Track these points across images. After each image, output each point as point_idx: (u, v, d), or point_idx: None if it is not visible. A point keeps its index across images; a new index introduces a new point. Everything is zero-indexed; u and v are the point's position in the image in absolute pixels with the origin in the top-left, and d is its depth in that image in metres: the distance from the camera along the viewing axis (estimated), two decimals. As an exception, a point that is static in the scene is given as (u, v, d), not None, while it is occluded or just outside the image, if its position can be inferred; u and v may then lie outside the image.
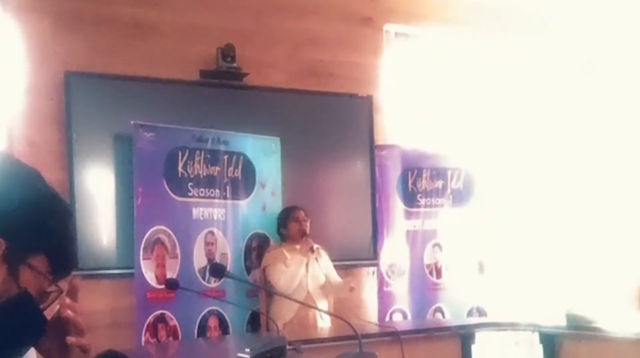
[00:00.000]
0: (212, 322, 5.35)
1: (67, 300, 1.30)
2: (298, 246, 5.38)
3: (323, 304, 5.36)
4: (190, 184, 5.32)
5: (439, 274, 6.41)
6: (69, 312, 1.29)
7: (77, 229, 4.48)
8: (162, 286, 4.96)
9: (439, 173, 6.49)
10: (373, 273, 6.31)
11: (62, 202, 1.32)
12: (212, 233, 5.41)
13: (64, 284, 1.31)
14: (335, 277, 5.49)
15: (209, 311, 5.34)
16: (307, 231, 5.42)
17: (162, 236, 5.16)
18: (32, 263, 1.22)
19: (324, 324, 5.29)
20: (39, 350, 1.30)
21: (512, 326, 4.71)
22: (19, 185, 1.24)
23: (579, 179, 6.96)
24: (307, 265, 5.31)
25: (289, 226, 5.48)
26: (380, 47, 6.56)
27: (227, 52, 5.73)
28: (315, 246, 5.40)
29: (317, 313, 5.24)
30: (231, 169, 5.55)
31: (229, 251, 5.48)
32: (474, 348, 4.64)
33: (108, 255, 5.31)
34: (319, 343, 4.34)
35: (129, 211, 5.14)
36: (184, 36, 5.71)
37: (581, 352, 4.43)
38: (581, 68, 7.00)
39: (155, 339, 5.05)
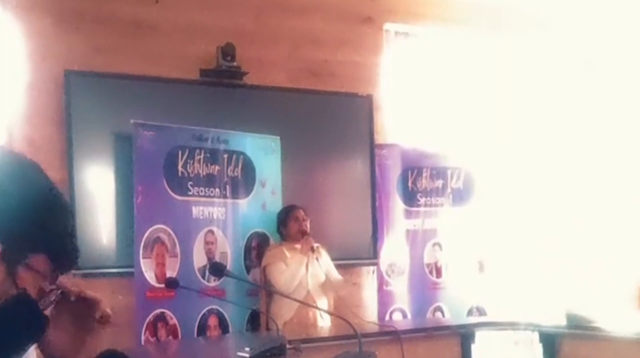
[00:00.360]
0: (212, 321, 5.34)
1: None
2: (298, 246, 5.37)
3: (323, 303, 5.35)
4: (190, 183, 5.31)
5: (438, 273, 6.40)
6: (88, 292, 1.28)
7: (77, 228, 4.47)
8: (162, 285, 4.95)
9: (439, 173, 6.48)
10: (373, 272, 6.30)
11: (61, 198, 1.29)
12: (212, 232, 5.40)
13: (65, 280, 1.30)
14: (335, 274, 5.48)
15: (208, 310, 5.33)
16: (307, 230, 5.41)
17: (162, 235, 5.14)
18: (30, 263, 1.20)
19: (324, 323, 5.28)
20: (42, 347, 1.29)
21: (512, 325, 4.71)
22: (16, 183, 1.21)
23: (579, 179, 6.95)
24: (307, 264, 5.30)
25: (289, 225, 5.47)
26: (380, 46, 6.55)
27: (227, 51, 5.73)
28: (316, 245, 5.39)
29: (317, 312, 5.23)
30: (231, 168, 5.54)
31: (228, 250, 5.47)
32: (474, 347, 4.63)
33: (108, 254, 5.30)
34: (319, 343, 4.34)
35: (128, 210, 5.13)
36: (184, 35, 5.71)
37: (581, 352, 4.43)
38: (581, 67, 6.99)
39: (155, 338, 5.04)
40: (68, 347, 1.31)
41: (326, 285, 5.39)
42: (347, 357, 2.71)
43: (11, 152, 1.29)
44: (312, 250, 5.32)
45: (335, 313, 4.75)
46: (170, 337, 5.11)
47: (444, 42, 6.88)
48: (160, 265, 5.11)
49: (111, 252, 5.33)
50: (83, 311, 1.31)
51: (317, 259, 5.32)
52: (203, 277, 5.32)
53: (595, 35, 6.99)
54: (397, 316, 6.20)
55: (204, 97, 5.74)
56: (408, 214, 6.36)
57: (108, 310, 1.32)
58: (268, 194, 5.73)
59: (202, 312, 5.31)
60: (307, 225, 5.44)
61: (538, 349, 4.49)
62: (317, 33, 6.24)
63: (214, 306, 5.35)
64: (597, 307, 4.84)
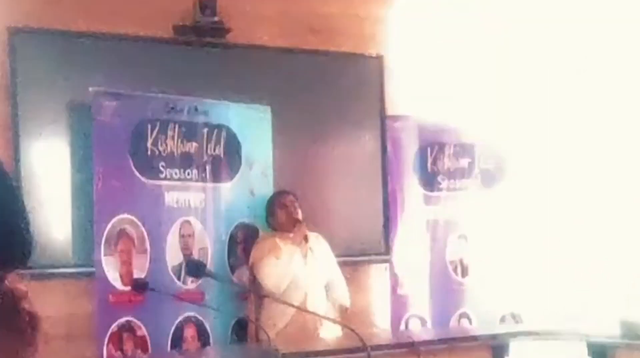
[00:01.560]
0: (189, 331, 5.36)
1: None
2: (291, 235, 5.35)
3: (325, 307, 5.33)
4: (161, 164, 5.33)
5: (464, 272, 6.42)
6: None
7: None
8: (128, 288, 4.98)
9: (464, 150, 6.50)
10: (385, 270, 6.29)
11: (5, 178, 1.24)
12: (188, 223, 5.42)
13: (14, 278, 1.26)
14: (339, 293, 5.45)
15: (185, 318, 5.34)
16: (299, 218, 5.38)
17: (128, 227, 5.17)
18: None
19: (326, 332, 5.26)
20: None
21: (555, 335, 4.74)
22: None
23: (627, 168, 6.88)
24: (305, 258, 5.28)
25: (276, 213, 5.47)
26: (391, -4, 6.53)
27: (206, 4, 5.72)
28: (314, 234, 5.38)
29: (317, 318, 5.20)
30: (211, 145, 5.56)
31: (209, 245, 5.49)
32: (508, 361, 4.65)
33: (62, 251, 5.31)
34: (320, 356, 4.33)
35: (87, 197, 5.15)
36: (153, -15, 5.69)
37: (638, 366, 4.44)
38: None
39: (119, 352, 5.06)
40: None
41: (328, 295, 5.39)
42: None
43: None
44: (306, 239, 5.30)
45: (340, 321, 4.74)
46: (139, 351, 5.13)
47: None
48: (126, 264, 5.15)
49: (66, 248, 5.35)
50: (7, 312, 1.27)
51: (310, 249, 5.30)
52: (178, 278, 5.35)
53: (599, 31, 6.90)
54: (414, 324, 6.24)
55: (178, 59, 5.78)
56: (427, 200, 6.39)
57: (33, 308, 1.27)
58: (257, 177, 5.74)
59: (177, 320, 5.32)
60: (299, 211, 5.42)
61: (586, 363, 4.50)
62: (316, -19, 6.22)
63: (192, 313, 5.36)
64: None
